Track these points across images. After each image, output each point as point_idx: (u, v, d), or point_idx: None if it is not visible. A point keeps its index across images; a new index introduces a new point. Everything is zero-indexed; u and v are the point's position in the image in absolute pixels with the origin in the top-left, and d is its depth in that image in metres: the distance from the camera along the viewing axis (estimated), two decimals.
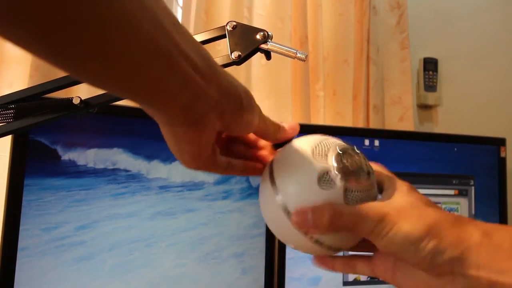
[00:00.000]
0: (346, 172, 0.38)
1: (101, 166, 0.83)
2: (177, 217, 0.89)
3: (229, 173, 0.40)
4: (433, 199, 1.10)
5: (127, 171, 0.85)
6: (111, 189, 0.84)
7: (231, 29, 0.44)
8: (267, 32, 0.44)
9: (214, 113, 0.32)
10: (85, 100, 0.37)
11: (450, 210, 1.12)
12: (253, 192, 0.98)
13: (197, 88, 0.30)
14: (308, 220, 0.36)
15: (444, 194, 1.12)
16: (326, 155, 0.38)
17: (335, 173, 0.37)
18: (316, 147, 0.39)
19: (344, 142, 0.41)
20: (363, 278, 1.05)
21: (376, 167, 0.43)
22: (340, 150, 0.39)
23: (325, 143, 0.40)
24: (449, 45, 1.52)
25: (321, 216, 0.35)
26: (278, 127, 0.41)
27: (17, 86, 0.95)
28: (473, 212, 1.14)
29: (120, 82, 0.27)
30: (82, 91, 0.98)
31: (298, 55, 0.46)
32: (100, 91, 0.37)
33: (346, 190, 0.37)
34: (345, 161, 0.38)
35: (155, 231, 0.87)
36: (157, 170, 0.88)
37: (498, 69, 1.57)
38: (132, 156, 0.86)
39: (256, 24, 1.19)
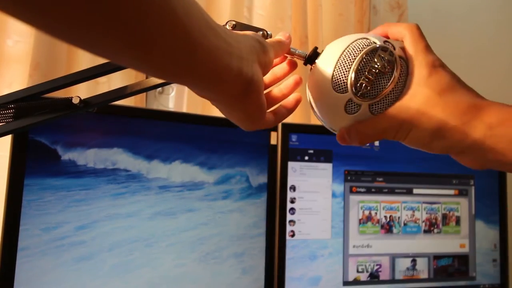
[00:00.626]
0: (367, 91, 0.42)
1: (101, 166, 0.83)
2: (177, 217, 0.89)
3: (278, 122, 0.48)
4: (433, 199, 1.11)
5: (127, 171, 0.85)
6: (111, 189, 0.84)
7: (230, 28, 0.44)
8: (266, 31, 0.44)
9: (255, 64, 0.38)
10: (84, 99, 0.37)
11: (450, 210, 1.12)
12: (253, 192, 0.98)
13: (236, 52, 0.35)
14: (346, 139, 0.45)
15: (444, 194, 1.12)
16: (346, 82, 0.42)
17: (357, 98, 0.42)
18: (335, 74, 0.42)
19: (365, 43, 0.43)
20: (363, 278, 1.05)
21: (407, 38, 0.45)
22: (359, 67, 0.42)
23: (344, 62, 0.42)
24: (449, 44, 1.52)
25: (353, 136, 0.44)
26: (278, 43, 0.45)
27: (16, 85, 0.95)
28: (473, 212, 1.14)
29: (183, 70, 0.32)
30: (82, 91, 0.98)
31: (297, 53, 0.46)
32: (99, 91, 0.37)
33: (370, 106, 0.42)
34: (365, 78, 0.42)
35: (155, 231, 0.87)
36: (157, 170, 0.88)
37: (498, 69, 1.57)
38: (132, 156, 0.86)
39: (256, 24, 1.19)
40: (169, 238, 0.88)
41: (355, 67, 0.42)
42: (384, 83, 0.42)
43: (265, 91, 0.44)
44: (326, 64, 0.43)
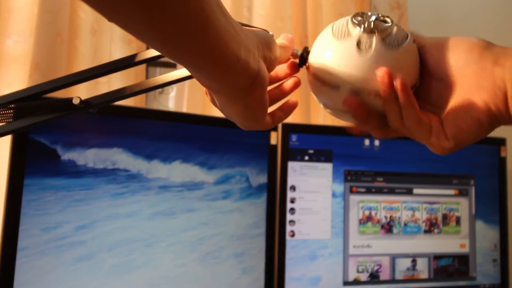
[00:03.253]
0: (374, 27, 0.40)
1: (101, 166, 0.83)
2: (177, 217, 0.89)
3: (274, 125, 0.47)
4: (433, 199, 1.11)
5: (127, 171, 0.85)
6: (111, 189, 0.84)
7: None
8: (268, 32, 0.44)
9: (261, 60, 0.37)
10: (85, 100, 0.37)
11: (450, 210, 1.12)
12: (253, 192, 0.98)
13: (244, 43, 0.34)
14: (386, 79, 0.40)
15: (444, 194, 1.12)
16: (349, 32, 0.41)
17: (365, 36, 0.40)
18: (334, 27, 0.42)
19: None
20: (363, 278, 1.05)
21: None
22: (356, 20, 0.41)
23: (339, 23, 0.42)
24: None
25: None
26: (284, 48, 0.45)
27: (17, 86, 0.95)
28: (473, 212, 1.14)
29: (200, 54, 0.32)
30: (82, 91, 0.98)
31: (298, 53, 0.46)
32: (99, 91, 0.37)
33: (383, 39, 0.40)
34: (366, 24, 0.41)
35: (155, 231, 0.87)
36: (157, 170, 0.88)
37: None
38: (132, 156, 0.86)
39: (256, 23, 1.19)
40: (169, 238, 0.88)
41: (352, 18, 0.42)
42: (382, 22, 0.41)
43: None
44: (320, 40, 0.44)
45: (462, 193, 1.14)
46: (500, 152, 1.18)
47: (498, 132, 1.34)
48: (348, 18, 0.42)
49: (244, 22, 1.25)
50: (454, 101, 0.40)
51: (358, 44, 0.40)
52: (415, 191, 1.10)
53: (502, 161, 1.18)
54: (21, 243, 0.75)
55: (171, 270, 0.88)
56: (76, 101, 0.36)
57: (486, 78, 0.38)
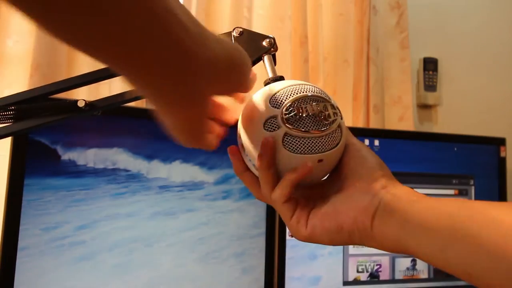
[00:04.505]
0: (293, 118, 0.40)
1: (101, 166, 0.83)
2: (177, 217, 0.89)
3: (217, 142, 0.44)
4: None
5: (127, 171, 0.85)
6: (111, 189, 0.84)
7: (237, 35, 0.44)
8: (273, 39, 0.44)
9: (205, 76, 0.33)
10: (90, 102, 0.37)
11: None
12: None
13: (187, 49, 0.30)
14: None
15: (444, 194, 1.12)
16: (283, 101, 0.40)
17: (281, 118, 0.40)
18: (279, 92, 0.41)
19: (316, 91, 0.42)
20: (363, 278, 1.05)
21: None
22: (300, 98, 0.40)
23: (292, 88, 0.41)
24: (449, 45, 1.52)
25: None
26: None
27: (17, 86, 0.95)
28: None
29: (119, 52, 0.28)
30: (82, 91, 0.98)
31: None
32: (99, 91, 0.37)
33: (285, 135, 0.40)
34: (298, 108, 0.40)
35: (155, 231, 0.87)
36: (157, 170, 0.88)
37: (498, 69, 1.57)
38: (132, 156, 0.86)
39: (255, 23, 1.19)
40: (169, 238, 0.88)
41: (300, 95, 0.40)
42: (314, 124, 0.40)
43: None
44: (277, 85, 0.42)
45: (462, 193, 1.14)
46: (499, 152, 1.18)
47: (498, 132, 1.34)
48: (301, 92, 0.41)
49: (244, 22, 1.24)
50: (334, 199, 0.42)
51: (269, 119, 0.41)
52: None
53: (502, 161, 1.18)
54: (21, 243, 0.75)
55: (171, 270, 0.88)
56: (81, 104, 0.36)
57: (368, 195, 0.41)
